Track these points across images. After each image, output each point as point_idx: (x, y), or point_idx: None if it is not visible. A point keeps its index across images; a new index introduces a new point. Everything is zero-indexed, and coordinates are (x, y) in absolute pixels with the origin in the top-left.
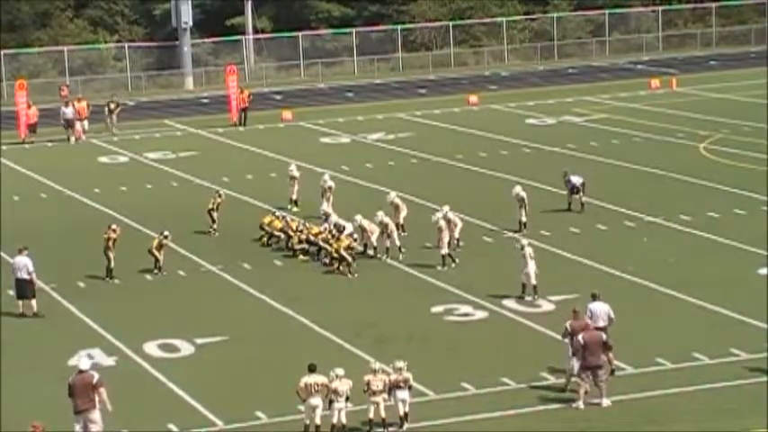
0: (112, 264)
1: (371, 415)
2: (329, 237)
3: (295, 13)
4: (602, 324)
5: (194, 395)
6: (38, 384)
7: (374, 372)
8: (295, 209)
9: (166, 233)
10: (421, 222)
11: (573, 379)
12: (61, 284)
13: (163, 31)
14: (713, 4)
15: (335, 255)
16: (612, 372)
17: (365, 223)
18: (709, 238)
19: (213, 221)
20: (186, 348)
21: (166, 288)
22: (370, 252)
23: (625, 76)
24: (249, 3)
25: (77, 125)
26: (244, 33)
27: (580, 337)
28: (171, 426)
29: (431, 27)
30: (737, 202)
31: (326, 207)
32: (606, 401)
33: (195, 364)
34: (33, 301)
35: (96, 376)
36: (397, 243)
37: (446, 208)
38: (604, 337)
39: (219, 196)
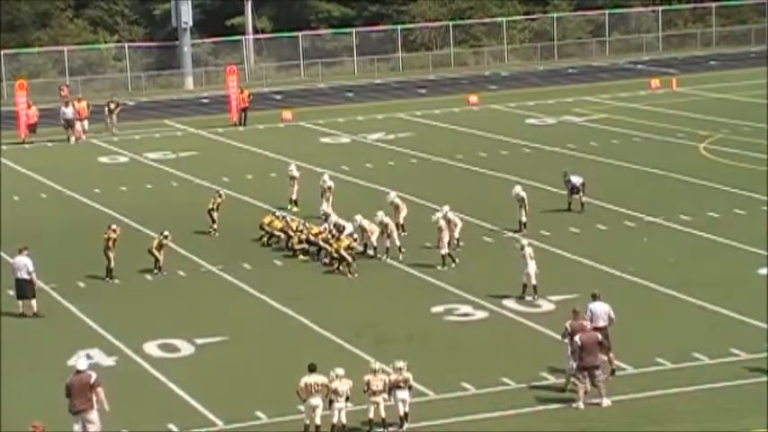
0: (112, 264)
1: (371, 415)
2: (329, 237)
3: (295, 13)
4: (602, 324)
5: (194, 395)
6: (38, 384)
7: (374, 372)
8: (295, 209)
9: (166, 233)
10: (421, 222)
11: (572, 379)
12: (61, 284)
13: (163, 31)
14: (713, 4)
15: (335, 255)
16: (613, 372)
17: (365, 223)
18: (709, 238)
19: (213, 221)
20: (186, 348)
21: (166, 288)
22: (370, 252)
23: (625, 76)
24: (249, 3)
25: (77, 125)
26: (244, 33)
27: (577, 338)
28: (171, 426)
29: (431, 27)
30: (737, 202)
31: (326, 207)
32: (606, 401)
33: (195, 364)
34: (33, 301)
35: (94, 376)
36: (397, 243)
37: (446, 208)
38: (600, 337)
39: (220, 196)
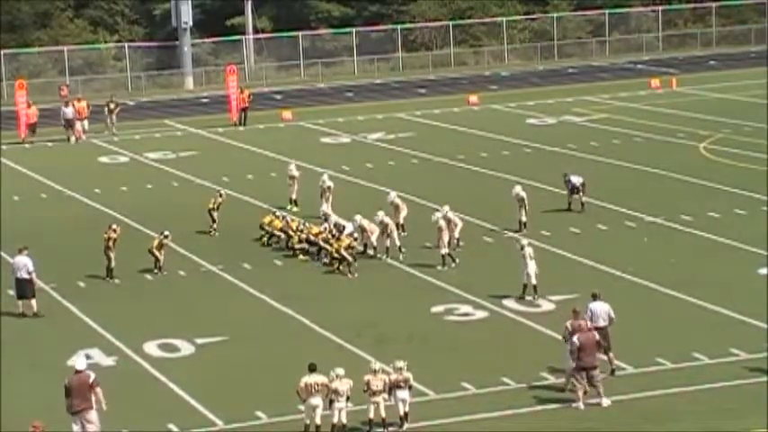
0: (113, 264)
1: (371, 415)
2: (329, 236)
3: (295, 13)
4: (602, 324)
5: (194, 395)
6: (38, 384)
7: (374, 372)
8: (295, 209)
9: (167, 233)
10: (421, 222)
11: (572, 379)
12: (61, 284)
13: (163, 31)
14: (713, 4)
15: (336, 255)
16: (613, 371)
17: (365, 223)
18: (710, 238)
19: (213, 221)
20: (186, 348)
21: (166, 288)
22: (370, 252)
23: (625, 76)
24: (249, 3)
25: (77, 125)
26: (244, 33)
27: (575, 338)
28: (171, 426)
29: (431, 27)
30: (738, 202)
31: (326, 208)
32: (606, 401)
33: (195, 364)
34: (33, 301)
35: (93, 376)
36: (398, 243)
37: (446, 208)
38: (598, 337)
39: (220, 196)
